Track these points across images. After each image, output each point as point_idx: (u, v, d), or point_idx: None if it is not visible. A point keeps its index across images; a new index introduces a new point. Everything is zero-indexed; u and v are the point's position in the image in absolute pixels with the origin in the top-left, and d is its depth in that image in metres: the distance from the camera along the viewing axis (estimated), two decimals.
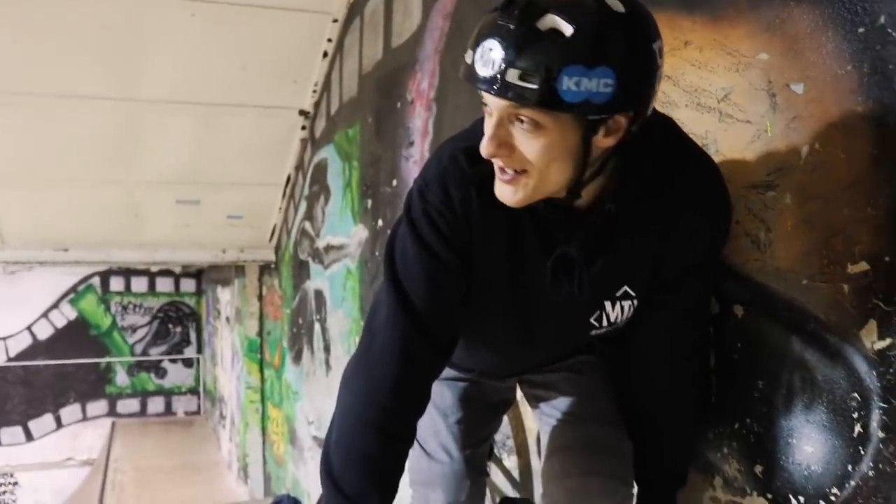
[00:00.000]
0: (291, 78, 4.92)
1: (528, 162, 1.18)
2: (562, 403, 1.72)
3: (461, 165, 1.33)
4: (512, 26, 1.08)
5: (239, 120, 5.12)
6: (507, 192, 1.24)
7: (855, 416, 1.27)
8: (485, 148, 1.18)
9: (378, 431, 1.39)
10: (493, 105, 1.15)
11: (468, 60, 1.13)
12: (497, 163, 1.21)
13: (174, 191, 5.74)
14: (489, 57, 1.09)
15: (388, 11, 3.70)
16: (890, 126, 1.19)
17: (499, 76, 1.09)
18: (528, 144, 1.16)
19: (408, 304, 1.37)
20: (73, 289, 12.63)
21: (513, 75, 1.08)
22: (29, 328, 12.33)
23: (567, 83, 1.07)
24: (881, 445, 1.23)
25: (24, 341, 12.30)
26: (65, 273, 12.23)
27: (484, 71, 1.10)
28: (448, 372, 1.75)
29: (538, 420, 1.80)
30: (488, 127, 1.18)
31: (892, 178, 1.19)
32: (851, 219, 1.26)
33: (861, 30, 1.23)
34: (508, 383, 1.83)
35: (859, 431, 1.27)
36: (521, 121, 1.14)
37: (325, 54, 4.72)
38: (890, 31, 1.18)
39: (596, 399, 1.68)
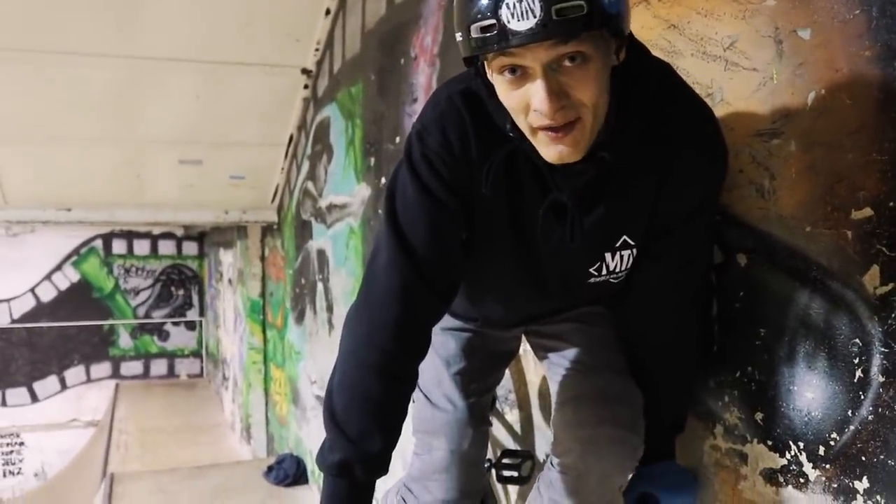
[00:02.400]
0: (294, 36, 4.89)
1: (582, 104, 1.16)
2: (572, 353, 1.72)
3: (458, 108, 1.33)
4: None
5: (241, 79, 5.09)
6: (565, 150, 1.20)
7: (856, 361, 1.28)
8: (545, 106, 1.14)
9: (380, 373, 1.40)
10: (533, 59, 1.12)
11: (495, 24, 1.10)
12: (548, 123, 1.17)
13: (177, 150, 5.73)
14: (525, 8, 1.07)
15: None
16: None
17: (544, 20, 1.07)
18: (582, 82, 1.15)
19: (408, 247, 1.37)
20: (76, 251, 12.65)
21: (557, 12, 1.07)
22: (32, 290, 12.37)
23: None
24: (881, 390, 1.23)
25: (28, 303, 12.35)
26: (67, 235, 12.26)
27: (525, 24, 1.08)
28: (452, 322, 1.76)
29: (547, 370, 1.81)
30: (538, 88, 1.14)
31: None
32: (856, 165, 1.26)
33: None
34: (514, 333, 1.84)
35: (860, 377, 1.27)
36: (569, 61, 1.12)
37: (328, 11, 4.68)
38: None
39: (607, 349, 1.69)
